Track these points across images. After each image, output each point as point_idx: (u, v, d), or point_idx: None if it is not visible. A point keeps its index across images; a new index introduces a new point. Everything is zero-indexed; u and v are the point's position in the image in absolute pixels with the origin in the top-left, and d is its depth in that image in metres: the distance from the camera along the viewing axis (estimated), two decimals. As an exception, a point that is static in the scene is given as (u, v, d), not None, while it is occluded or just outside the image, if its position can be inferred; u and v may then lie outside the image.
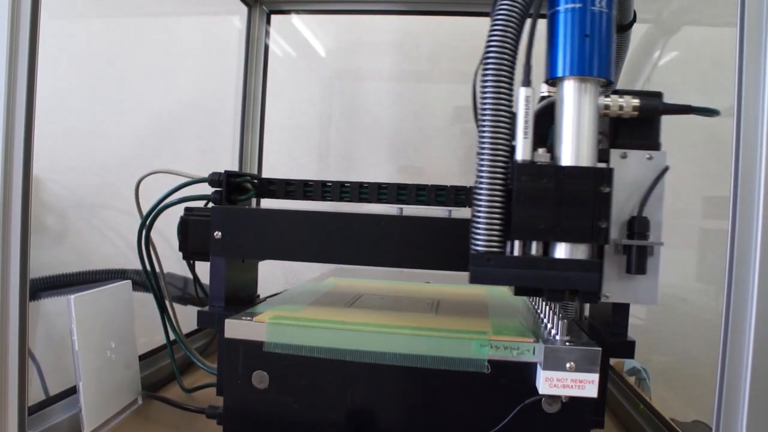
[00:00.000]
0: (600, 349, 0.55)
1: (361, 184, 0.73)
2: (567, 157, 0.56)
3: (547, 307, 0.67)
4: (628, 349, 0.64)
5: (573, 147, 0.56)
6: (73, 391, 0.71)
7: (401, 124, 1.38)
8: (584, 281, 0.55)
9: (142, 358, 0.86)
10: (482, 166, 0.56)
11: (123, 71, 1.18)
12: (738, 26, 0.52)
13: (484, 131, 0.55)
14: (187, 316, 0.87)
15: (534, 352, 0.58)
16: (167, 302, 0.82)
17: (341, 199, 0.73)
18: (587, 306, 0.81)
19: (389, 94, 1.40)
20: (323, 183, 0.74)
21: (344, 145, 1.42)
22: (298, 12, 1.33)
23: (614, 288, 0.59)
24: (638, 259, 0.58)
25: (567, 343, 0.56)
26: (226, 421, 0.64)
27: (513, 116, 0.56)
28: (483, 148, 0.55)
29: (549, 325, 0.63)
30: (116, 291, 0.78)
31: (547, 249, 0.56)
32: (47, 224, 1.06)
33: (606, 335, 0.65)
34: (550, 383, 0.55)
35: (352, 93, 1.44)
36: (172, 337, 0.83)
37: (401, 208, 0.72)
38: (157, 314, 0.81)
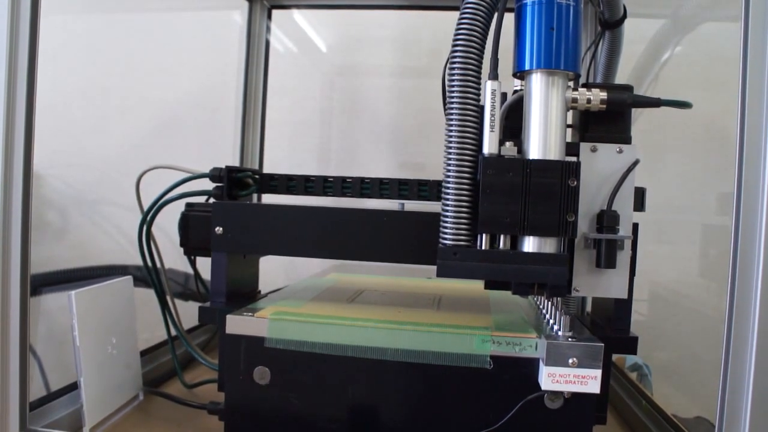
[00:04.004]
0: (602, 344, 0.55)
1: (362, 180, 0.73)
2: (534, 151, 0.56)
3: (549, 302, 0.67)
4: (630, 345, 0.64)
5: (540, 140, 0.56)
6: (74, 386, 0.71)
7: (402, 119, 1.38)
8: (551, 275, 0.55)
9: (143, 353, 0.86)
10: (449, 159, 0.56)
11: (124, 67, 1.17)
12: (742, 23, 0.51)
13: (451, 125, 0.56)
14: (188, 312, 0.87)
15: (536, 348, 0.58)
16: (168, 298, 0.82)
17: (343, 195, 0.73)
18: (589, 301, 0.81)
19: (390, 89, 1.39)
20: (325, 178, 0.74)
21: (345, 140, 1.41)
22: (299, 7, 1.33)
23: (584, 282, 0.59)
24: (607, 253, 0.58)
25: (569, 339, 0.56)
26: (227, 417, 0.64)
27: (480, 110, 0.56)
28: (450, 142, 0.56)
29: (551, 321, 0.63)
30: (117, 287, 0.78)
31: (516, 242, 0.57)
32: (48, 220, 1.06)
33: (608, 331, 0.65)
34: (553, 379, 0.55)
35: (354, 88, 1.43)
36: (173, 332, 0.83)
37: (403, 204, 0.72)
38: (158, 310, 0.81)
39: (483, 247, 0.56)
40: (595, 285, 0.60)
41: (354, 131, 1.41)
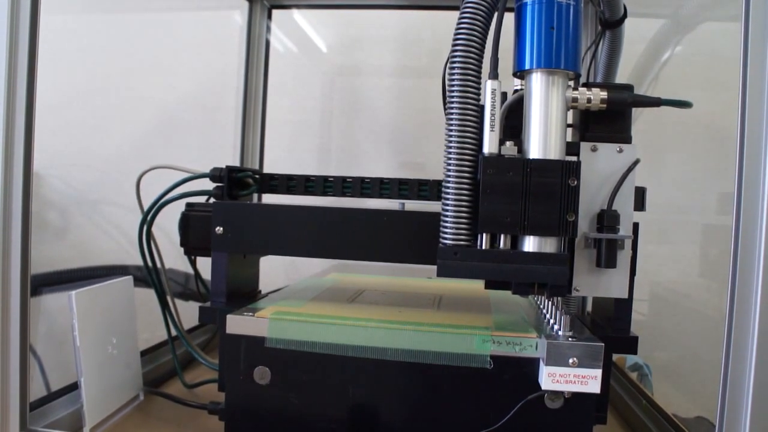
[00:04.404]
0: (603, 344, 0.55)
1: (363, 179, 0.73)
2: (534, 150, 0.56)
3: (549, 302, 0.67)
4: (630, 345, 0.64)
5: (540, 140, 0.56)
6: (74, 386, 0.71)
7: (403, 119, 1.38)
8: (551, 275, 0.55)
9: (143, 353, 0.86)
10: (449, 159, 0.56)
11: (124, 67, 1.17)
12: (743, 23, 0.51)
13: (451, 124, 0.56)
14: (188, 312, 0.87)
15: (536, 348, 0.58)
16: (168, 298, 0.82)
17: (343, 194, 0.73)
18: (590, 301, 0.81)
19: (390, 89, 1.39)
20: (325, 178, 0.74)
21: (346, 140, 1.41)
22: (299, 7, 1.33)
23: (584, 281, 0.59)
24: (608, 252, 0.58)
25: (570, 339, 0.56)
26: (227, 417, 0.64)
27: (480, 109, 0.56)
28: (450, 142, 0.56)
29: (551, 321, 0.63)
30: (117, 287, 0.78)
31: (516, 242, 0.57)
32: (48, 220, 1.06)
33: (608, 331, 0.65)
34: (553, 379, 0.55)
35: (354, 88, 1.43)
36: (173, 332, 0.83)
37: (403, 203, 0.72)
38: (159, 310, 0.81)
39: (483, 247, 0.56)
40: (596, 285, 0.60)
41: (354, 131, 1.41)
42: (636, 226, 0.62)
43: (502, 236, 0.56)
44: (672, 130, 1.07)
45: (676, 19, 1.07)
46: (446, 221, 0.57)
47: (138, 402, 0.80)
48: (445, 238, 0.57)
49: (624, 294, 0.60)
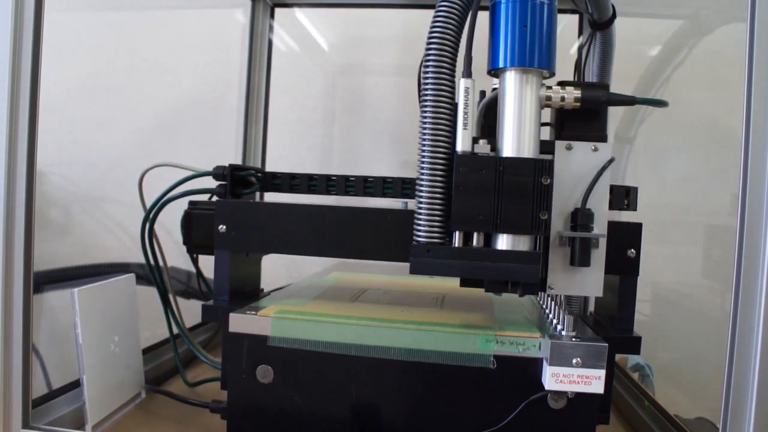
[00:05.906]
0: (606, 344, 0.55)
1: (365, 178, 0.72)
2: (508, 149, 0.56)
3: (552, 301, 0.67)
4: (633, 345, 0.64)
5: (514, 138, 0.56)
6: (76, 384, 0.71)
7: (405, 118, 1.37)
8: (523, 272, 0.55)
9: (145, 351, 0.86)
10: (423, 157, 0.56)
11: (126, 65, 1.17)
12: (748, 24, 0.51)
13: (425, 123, 0.56)
14: (190, 311, 0.86)
15: (540, 348, 0.58)
16: (171, 296, 0.81)
17: (346, 193, 0.73)
18: (592, 301, 0.81)
19: (392, 88, 1.39)
20: (328, 177, 0.73)
21: (348, 139, 1.41)
22: (301, 5, 1.33)
23: (559, 280, 0.59)
24: (581, 251, 0.57)
25: (573, 339, 0.56)
26: (230, 416, 0.64)
27: (454, 107, 0.56)
28: (424, 140, 0.56)
29: (554, 321, 0.63)
30: (120, 284, 0.78)
31: (490, 240, 0.57)
32: (51, 218, 1.06)
33: (611, 331, 0.64)
34: (557, 379, 0.55)
35: (356, 87, 1.43)
36: (175, 330, 0.83)
37: (406, 202, 0.72)
38: (161, 308, 0.81)
39: (456, 245, 0.56)
40: (570, 283, 0.59)
41: (356, 130, 1.41)
42: (639, 226, 0.61)
43: (476, 234, 0.56)
44: (676, 129, 1.07)
45: (692, 20, 1.07)
46: (419, 219, 0.57)
47: (140, 400, 0.80)
48: (419, 236, 0.57)
49: (599, 293, 0.59)
